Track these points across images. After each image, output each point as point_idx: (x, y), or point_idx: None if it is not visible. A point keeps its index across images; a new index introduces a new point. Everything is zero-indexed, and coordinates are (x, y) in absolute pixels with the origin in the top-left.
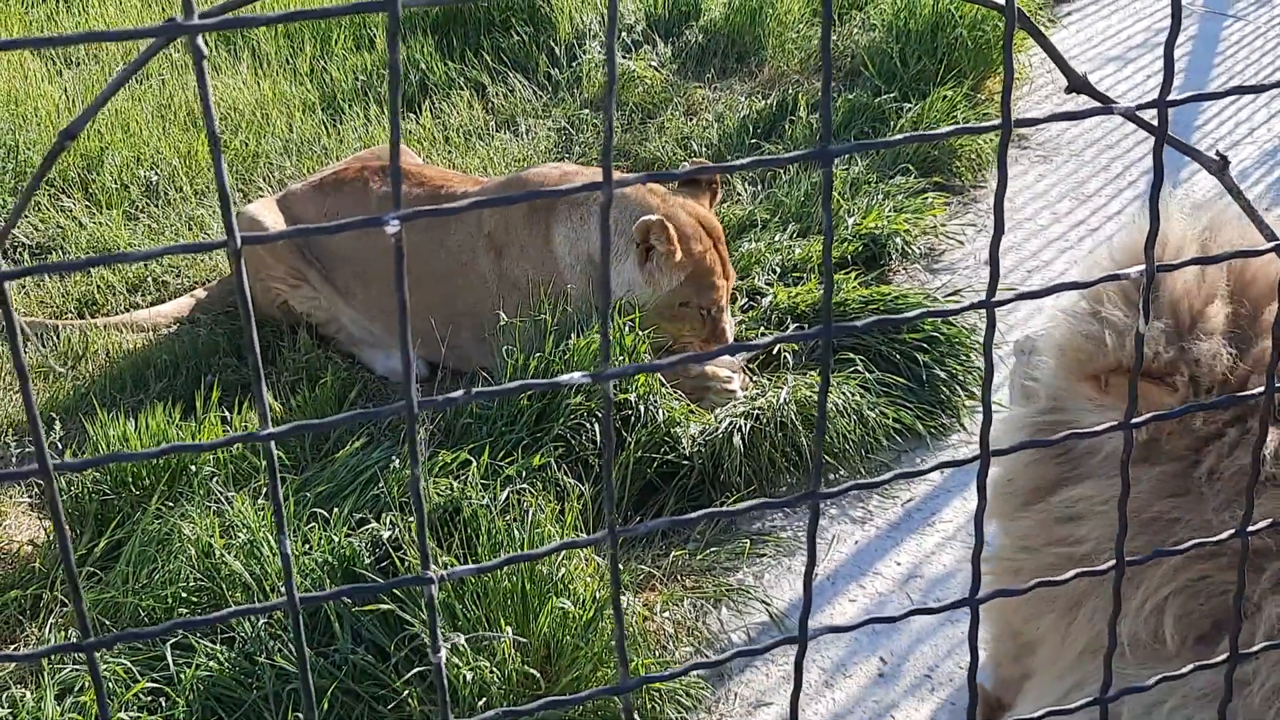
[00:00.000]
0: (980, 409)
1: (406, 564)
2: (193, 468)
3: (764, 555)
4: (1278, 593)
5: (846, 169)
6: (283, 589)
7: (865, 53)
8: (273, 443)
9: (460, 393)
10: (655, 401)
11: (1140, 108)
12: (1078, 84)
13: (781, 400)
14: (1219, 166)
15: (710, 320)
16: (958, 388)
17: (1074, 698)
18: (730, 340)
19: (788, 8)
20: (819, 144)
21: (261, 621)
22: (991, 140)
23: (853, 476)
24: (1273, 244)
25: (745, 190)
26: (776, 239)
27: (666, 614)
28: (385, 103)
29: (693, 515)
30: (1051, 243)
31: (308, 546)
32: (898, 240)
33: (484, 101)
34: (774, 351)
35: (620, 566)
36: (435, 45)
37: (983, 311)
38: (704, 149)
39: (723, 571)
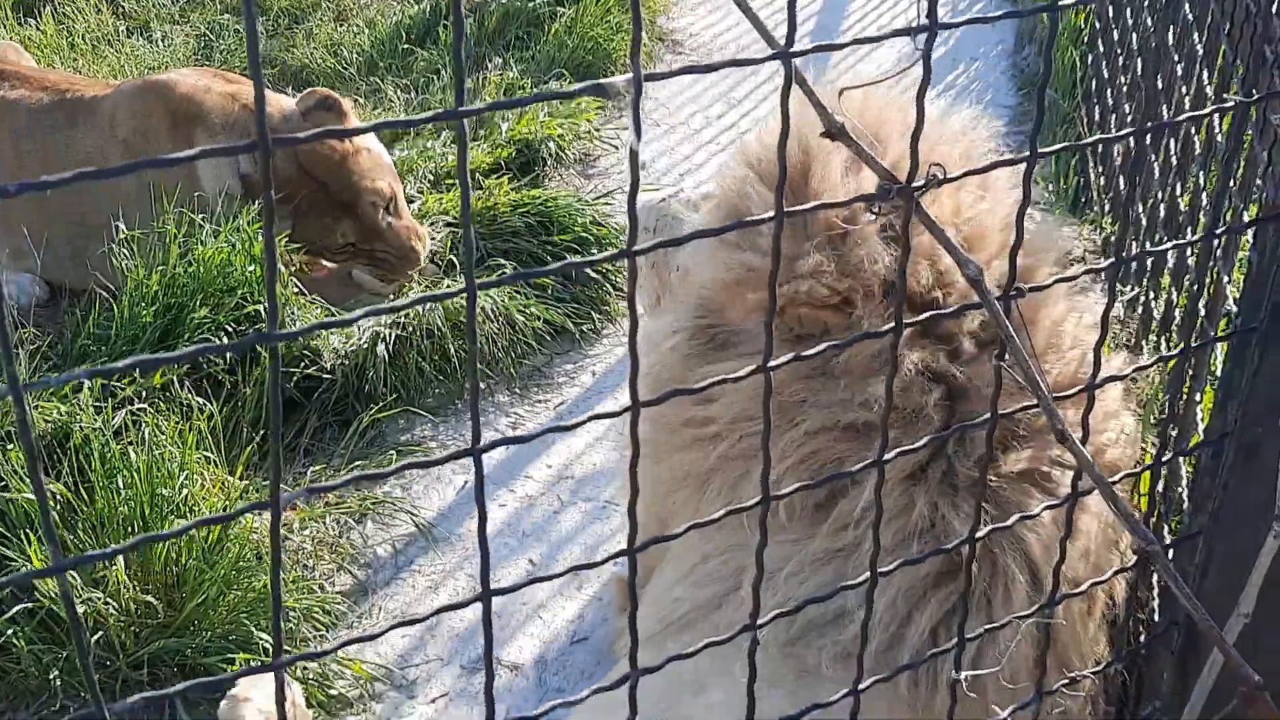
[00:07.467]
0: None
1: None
2: None
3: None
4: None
5: (501, 75)
6: None
7: None
8: None
9: None
10: (294, 313)
11: None
12: None
13: (429, 307)
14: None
15: (369, 230)
16: (610, 287)
17: (702, 569)
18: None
19: None
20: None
21: None
22: (647, 47)
23: (504, 382)
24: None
25: (398, 97)
26: (430, 146)
27: (307, 531)
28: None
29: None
30: (703, 146)
31: None
32: (551, 145)
33: (113, 6)
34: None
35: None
36: None
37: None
38: (355, 56)
39: (368, 485)
